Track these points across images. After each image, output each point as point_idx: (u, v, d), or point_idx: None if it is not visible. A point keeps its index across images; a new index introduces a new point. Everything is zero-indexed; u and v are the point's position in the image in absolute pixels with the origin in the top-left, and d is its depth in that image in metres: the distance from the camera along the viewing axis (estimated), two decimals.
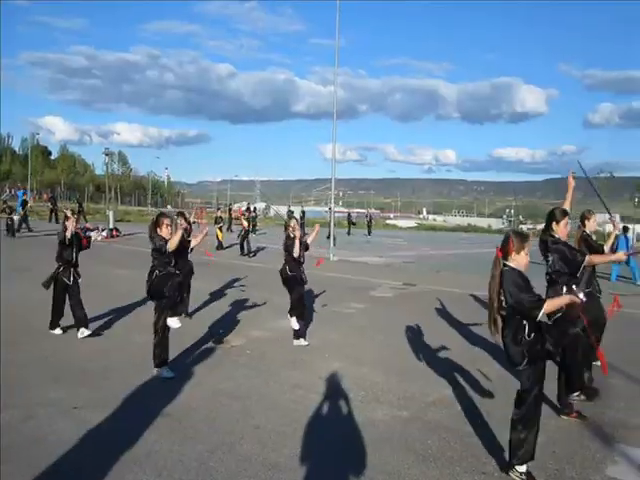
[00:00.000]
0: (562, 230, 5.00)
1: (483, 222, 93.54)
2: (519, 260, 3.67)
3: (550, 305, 3.55)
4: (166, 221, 5.75)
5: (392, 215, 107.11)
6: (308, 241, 7.48)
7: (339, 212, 40.73)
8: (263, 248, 20.76)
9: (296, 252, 7.03)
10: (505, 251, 3.68)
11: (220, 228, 21.75)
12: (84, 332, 6.88)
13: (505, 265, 3.65)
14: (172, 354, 5.81)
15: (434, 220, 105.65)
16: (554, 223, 5.01)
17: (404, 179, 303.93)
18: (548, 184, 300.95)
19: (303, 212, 33.03)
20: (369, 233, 35.32)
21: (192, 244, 7.43)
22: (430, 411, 4.91)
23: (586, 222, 5.95)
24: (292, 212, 31.33)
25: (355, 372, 5.97)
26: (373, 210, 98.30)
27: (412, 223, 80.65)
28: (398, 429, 4.47)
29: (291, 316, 7.08)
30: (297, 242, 7.06)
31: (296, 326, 7.03)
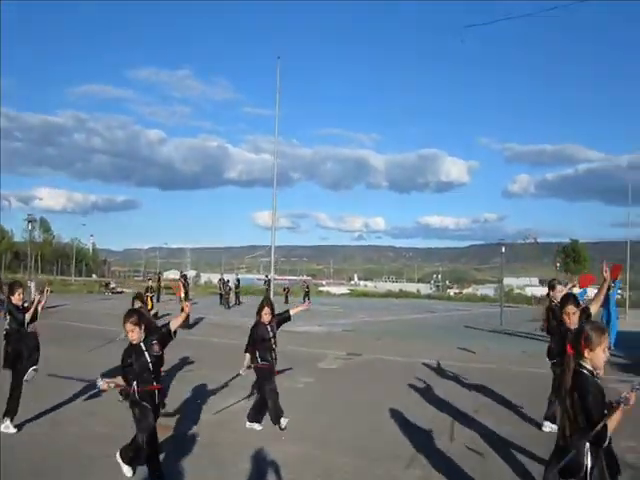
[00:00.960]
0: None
1: (412, 287, 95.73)
2: (595, 360, 3.02)
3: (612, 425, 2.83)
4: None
5: (324, 282, 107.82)
6: (292, 312, 7.01)
7: (277, 279, 40.34)
8: (201, 319, 20.01)
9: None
10: (578, 348, 3.05)
11: (151, 298, 20.94)
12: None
13: (581, 366, 3.02)
14: (113, 448, 5.22)
15: (365, 286, 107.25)
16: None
17: (335, 246, 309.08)
18: (472, 250, 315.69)
19: (238, 280, 32.42)
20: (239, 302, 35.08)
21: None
22: None
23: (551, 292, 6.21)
24: (228, 280, 30.73)
25: (318, 456, 5.59)
26: (305, 277, 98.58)
27: (344, 289, 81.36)
28: None
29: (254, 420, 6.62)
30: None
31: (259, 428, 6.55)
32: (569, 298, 5.19)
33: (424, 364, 11.85)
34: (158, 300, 26.40)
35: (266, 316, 6.63)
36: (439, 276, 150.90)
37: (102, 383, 4.57)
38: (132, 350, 4.63)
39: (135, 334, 4.62)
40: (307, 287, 37.82)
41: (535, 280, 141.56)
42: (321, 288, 77.19)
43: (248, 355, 6.63)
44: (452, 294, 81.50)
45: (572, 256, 39.73)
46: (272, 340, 6.58)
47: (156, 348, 4.62)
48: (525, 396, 8.75)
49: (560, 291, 6.53)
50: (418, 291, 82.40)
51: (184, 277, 26.64)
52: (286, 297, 34.10)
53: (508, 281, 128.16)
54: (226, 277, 32.57)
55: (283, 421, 6.43)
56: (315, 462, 5.41)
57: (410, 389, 9.11)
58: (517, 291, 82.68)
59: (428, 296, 68.25)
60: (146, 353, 4.60)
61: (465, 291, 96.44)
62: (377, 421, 6.94)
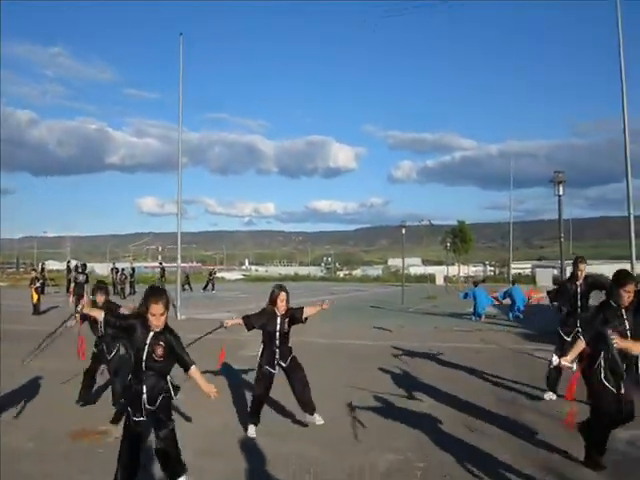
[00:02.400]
0: None
1: (304, 270, 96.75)
2: None
3: None
4: None
5: (216, 268, 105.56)
6: (309, 311, 5.95)
7: (167, 267, 38.57)
8: None
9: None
10: None
11: (37, 289, 19.14)
12: None
13: None
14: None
15: (256, 271, 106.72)
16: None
17: (225, 231, 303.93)
18: (359, 233, 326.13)
19: (133, 269, 30.54)
20: (212, 288, 34.18)
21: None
22: None
23: None
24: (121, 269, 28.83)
25: (288, 448, 5.21)
26: (194, 263, 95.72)
27: (238, 275, 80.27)
28: None
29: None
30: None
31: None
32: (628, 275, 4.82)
33: (345, 344, 11.88)
34: (43, 292, 24.10)
35: (282, 303, 5.72)
36: (329, 259, 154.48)
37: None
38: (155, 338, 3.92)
39: (162, 321, 3.90)
40: (211, 274, 36.58)
41: (418, 260, 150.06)
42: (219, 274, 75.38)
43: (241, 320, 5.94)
44: (342, 275, 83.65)
45: (460, 236, 42.22)
46: (277, 335, 5.75)
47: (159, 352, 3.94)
48: (461, 371, 9.00)
49: (583, 269, 6.93)
50: (309, 274, 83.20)
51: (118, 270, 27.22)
52: (188, 284, 32.70)
53: (395, 262, 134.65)
54: (119, 266, 30.54)
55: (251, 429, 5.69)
56: (288, 455, 5.02)
57: (346, 370, 8.99)
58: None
59: (322, 278, 69.33)
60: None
61: (354, 272, 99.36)
62: (328, 407, 6.67)
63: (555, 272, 57.26)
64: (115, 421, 5.66)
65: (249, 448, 5.20)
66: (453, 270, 45.62)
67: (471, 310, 17.81)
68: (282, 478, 4.49)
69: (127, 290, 27.98)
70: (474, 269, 63.75)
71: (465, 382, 8.14)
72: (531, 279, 42.11)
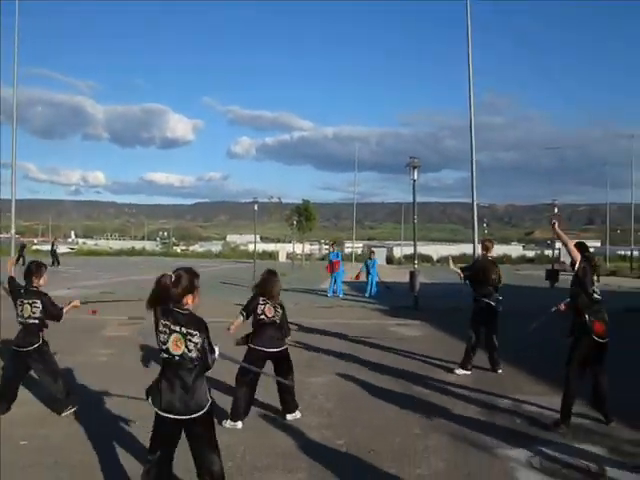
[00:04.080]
0: None
1: (138, 244, 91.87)
2: None
3: None
4: None
5: (36, 240, 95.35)
6: None
7: None
8: None
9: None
10: None
11: None
12: None
13: None
14: None
15: (84, 244, 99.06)
16: None
17: (48, 200, 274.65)
18: (197, 208, 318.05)
19: None
20: (58, 263, 30.65)
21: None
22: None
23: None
24: None
25: None
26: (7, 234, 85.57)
27: (65, 248, 73.37)
28: None
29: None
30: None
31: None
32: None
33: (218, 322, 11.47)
34: None
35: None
36: (165, 233, 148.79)
37: None
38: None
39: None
40: (53, 246, 32.82)
41: (257, 237, 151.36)
42: (36, 247, 67.92)
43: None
44: (179, 251, 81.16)
45: (305, 215, 43.20)
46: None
47: None
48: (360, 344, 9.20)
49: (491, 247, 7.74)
50: (144, 249, 79.04)
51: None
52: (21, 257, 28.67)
53: (233, 238, 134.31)
54: None
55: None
56: None
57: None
58: (242, 248, 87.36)
59: (163, 253, 66.47)
60: None
61: (192, 248, 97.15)
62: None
63: (387, 252, 61.99)
64: None
65: None
66: (289, 248, 46.60)
67: (324, 287, 18.24)
68: None
69: None
70: (311, 247, 65.97)
71: (361, 356, 8.35)
72: (365, 257, 44.78)
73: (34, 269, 5.35)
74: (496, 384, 6.77)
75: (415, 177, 15.47)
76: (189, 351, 3.26)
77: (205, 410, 3.27)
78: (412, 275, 15.49)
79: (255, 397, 5.34)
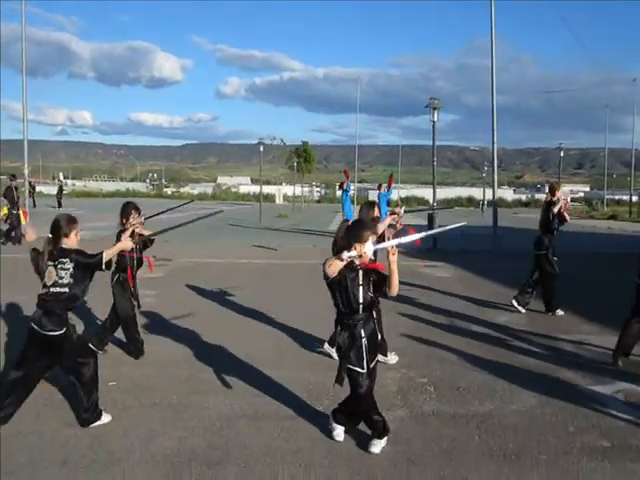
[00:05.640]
0: None
1: (127, 186, 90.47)
2: None
3: None
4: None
5: (32, 181, 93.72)
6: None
7: None
8: None
9: None
10: None
11: None
12: None
13: None
14: None
15: (74, 185, 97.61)
16: None
17: (34, 141, 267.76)
18: (186, 149, 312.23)
19: None
20: (60, 205, 30.81)
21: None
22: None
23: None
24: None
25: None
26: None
27: (55, 190, 72.31)
28: None
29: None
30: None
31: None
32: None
33: (243, 263, 11.58)
34: None
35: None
36: (155, 175, 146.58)
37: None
38: None
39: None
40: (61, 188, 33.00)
41: (247, 179, 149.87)
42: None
43: None
44: (170, 193, 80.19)
45: (304, 156, 42.63)
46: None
47: None
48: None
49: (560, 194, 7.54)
50: (132, 190, 77.52)
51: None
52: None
53: (224, 180, 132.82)
54: None
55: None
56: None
57: (296, 289, 8.75)
58: (233, 190, 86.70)
59: (157, 195, 65.75)
60: None
61: (182, 190, 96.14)
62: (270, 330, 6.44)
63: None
64: None
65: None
66: (285, 190, 45.86)
67: (332, 229, 18.05)
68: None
69: None
70: (302, 189, 65.49)
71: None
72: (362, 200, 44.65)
73: (64, 224, 3.92)
74: (551, 325, 6.90)
75: (435, 119, 15.19)
76: (60, 278, 3.71)
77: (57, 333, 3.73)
78: (430, 218, 15.55)
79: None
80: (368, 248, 3.35)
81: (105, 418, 3.92)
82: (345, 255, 3.26)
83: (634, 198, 44.96)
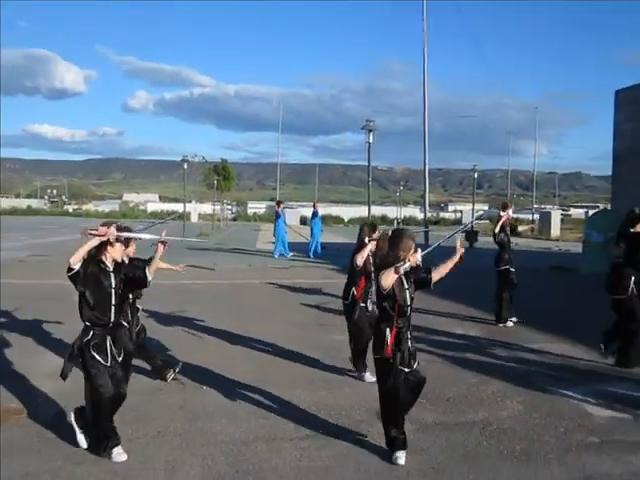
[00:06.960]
0: None
1: (23, 203, 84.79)
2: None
3: None
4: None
5: None
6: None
7: None
8: None
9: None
10: None
11: None
12: None
13: None
14: None
15: None
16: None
17: None
18: (89, 164, 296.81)
19: None
20: None
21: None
22: None
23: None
24: None
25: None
26: None
27: None
28: None
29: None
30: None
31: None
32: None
33: (184, 284, 11.39)
34: None
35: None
36: (55, 191, 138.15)
37: None
38: None
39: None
40: None
41: (155, 196, 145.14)
42: None
43: None
44: (71, 210, 76.01)
45: (223, 174, 42.21)
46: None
47: None
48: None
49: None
50: (29, 207, 72.65)
51: None
52: None
53: (130, 197, 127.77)
54: None
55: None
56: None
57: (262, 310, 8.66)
58: (141, 207, 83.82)
59: (60, 212, 62.10)
60: None
61: (85, 207, 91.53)
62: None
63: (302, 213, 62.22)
64: None
65: None
66: (190, 208, 44.77)
67: (261, 247, 17.98)
68: None
69: None
70: (214, 207, 64.67)
71: None
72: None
73: None
74: (508, 335, 7.41)
75: (370, 140, 15.74)
76: None
77: None
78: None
79: None
80: (418, 256, 3.56)
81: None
82: (402, 268, 3.45)
83: (530, 217, 48.78)
